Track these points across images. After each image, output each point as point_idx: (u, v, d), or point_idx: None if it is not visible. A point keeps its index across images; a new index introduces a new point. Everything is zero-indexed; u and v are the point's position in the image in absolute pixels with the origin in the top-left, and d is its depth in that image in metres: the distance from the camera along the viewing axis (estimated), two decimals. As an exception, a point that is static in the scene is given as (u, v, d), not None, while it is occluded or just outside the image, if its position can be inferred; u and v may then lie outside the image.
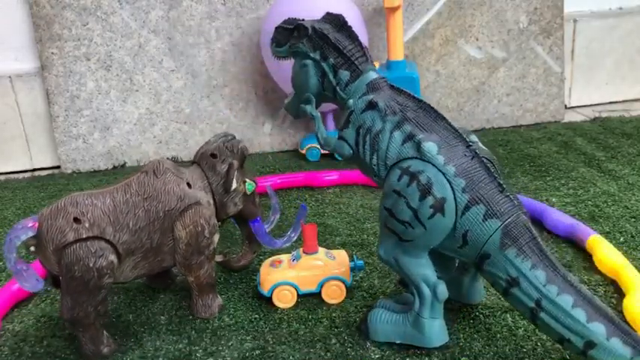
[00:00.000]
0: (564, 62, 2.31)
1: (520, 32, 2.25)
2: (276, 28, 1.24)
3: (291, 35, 1.20)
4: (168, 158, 2.22)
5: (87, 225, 1.07)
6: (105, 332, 1.15)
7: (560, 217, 1.47)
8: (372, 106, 1.11)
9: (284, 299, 1.26)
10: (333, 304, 1.26)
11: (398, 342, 1.10)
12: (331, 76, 1.16)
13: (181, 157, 2.23)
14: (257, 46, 2.15)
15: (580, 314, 0.94)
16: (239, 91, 2.22)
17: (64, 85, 2.15)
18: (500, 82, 2.28)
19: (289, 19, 1.23)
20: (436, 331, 1.07)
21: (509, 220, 0.99)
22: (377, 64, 2.04)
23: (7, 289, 1.33)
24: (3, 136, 2.22)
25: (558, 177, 1.80)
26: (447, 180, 1.01)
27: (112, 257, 1.09)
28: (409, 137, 1.05)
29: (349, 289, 1.28)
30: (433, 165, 1.01)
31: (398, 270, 1.08)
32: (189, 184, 1.20)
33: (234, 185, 1.25)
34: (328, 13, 1.21)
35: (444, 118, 1.06)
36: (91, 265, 1.06)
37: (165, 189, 1.16)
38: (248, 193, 1.30)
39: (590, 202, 1.61)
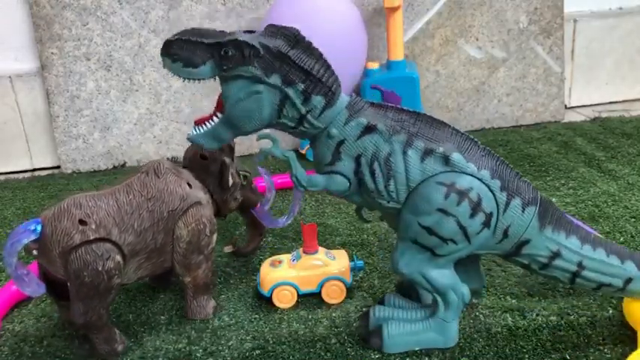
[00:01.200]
0: (564, 62, 2.31)
1: (520, 32, 2.25)
2: (176, 41, 0.97)
3: (213, 53, 0.97)
4: (168, 159, 2.22)
5: (93, 227, 1.07)
6: (116, 330, 1.15)
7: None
8: (370, 130, 1.02)
9: (284, 299, 1.26)
10: (333, 304, 1.26)
11: (417, 349, 1.09)
12: (299, 104, 1.01)
13: (181, 157, 2.22)
14: (257, 46, 2.14)
15: (614, 260, 1.06)
16: (239, 91, 2.21)
17: (64, 85, 2.15)
18: (500, 82, 2.28)
19: (194, 29, 1.00)
20: (455, 330, 1.09)
21: (539, 201, 1.04)
22: (377, 65, 2.04)
23: (7, 289, 1.33)
24: (3, 136, 2.22)
25: (558, 177, 1.80)
26: (487, 186, 1.01)
27: (119, 258, 1.09)
28: (427, 152, 1.01)
29: (349, 289, 1.28)
30: (470, 175, 1.00)
31: (422, 283, 1.06)
32: (189, 184, 1.20)
33: (230, 183, 1.25)
34: (272, 26, 1.02)
35: (445, 123, 1.05)
36: (99, 268, 1.06)
37: (167, 189, 1.16)
38: (244, 183, 1.30)
39: (590, 202, 1.61)
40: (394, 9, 1.93)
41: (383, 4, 1.93)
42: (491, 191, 1.01)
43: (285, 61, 0.99)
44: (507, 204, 1.02)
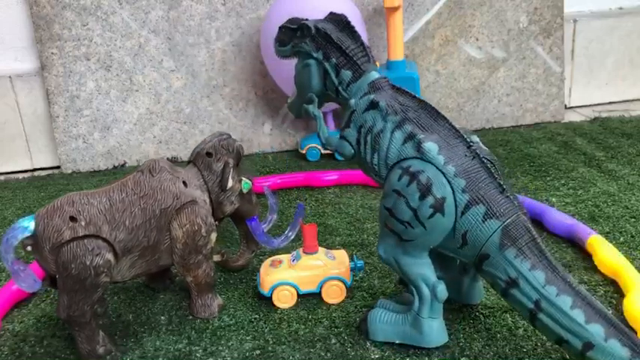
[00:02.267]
0: (564, 62, 2.31)
1: (520, 32, 2.25)
2: (280, 27, 1.25)
3: (294, 35, 1.21)
4: (167, 159, 2.22)
5: (83, 223, 1.08)
6: (102, 332, 1.15)
7: (560, 218, 1.47)
8: (373, 105, 1.11)
9: (284, 299, 1.26)
10: (333, 304, 1.26)
11: (397, 342, 1.10)
12: (333, 76, 1.17)
13: (181, 157, 2.23)
14: (257, 46, 2.15)
15: (579, 315, 0.94)
16: (239, 91, 2.22)
17: (64, 85, 2.15)
18: (500, 82, 2.28)
19: (294, 18, 1.24)
20: (435, 331, 1.07)
21: (508, 220, 0.99)
22: (377, 64, 2.04)
23: (7, 289, 1.33)
24: (3, 136, 2.22)
25: (558, 177, 1.80)
26: (447, 180, 1.01)
27: (109, 256, 1.09)
28: (410, 137, 1.05)
29: (349, 289, 1.28)
30: (433, 165, 1.01)
31: (398, 270, 1.08)
32: (185, 183, 1.20)
33: (230, 184, 1.25)
34: (332, 13, 1.21)
35: (445, 118, 1.06)
36: (87, 263, 1.07)
37: (161, 187, 1.16)
38: (244, 191, 1.30)
39: (590, 202, 1.61)
40: (394, 9, 1.93)
41: (383, 4, 1.93)
42: (450, 185, 1.00)
43: (328, 40, 1.17)
44: (467, 207, 1.00)
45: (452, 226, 1.01)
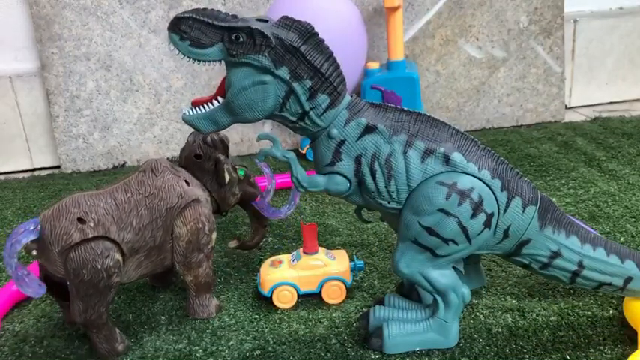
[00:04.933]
0: (564, 62, 2.31)
1: (520, 32, 2.25)
2: (186, 19, 0.98)
3: (224, 36, 0.98)
4: (168, 159, 2.22)
5: (92, 225, 1.07)
6: (117, 329, 1.15)
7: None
8: (369, 130, 1.02)
9: (284, 299, 1.26)
10: (333, 304, 1.26)
11: (418, 349, 1.09)
12: (303, 100, 1.01)
13: (181, 157, 2.23)
14: (257, 46, 2.14)
15: (614, 259, 1.06)
16: (239, 91, 2.21)
17: (64, 85, 2.15)
18: (500, 82, 2.28)
19: (205, 9, 1.00)
20: (456, 330, 1.09)
21: (539, 201, 1.04)
22: (377, 64, 2.04)
23: (7, 289, 1.33)
24: (3, 136, 2.22)
25: (558, 177, 1.80)
26: (489, 187, 1.01)
27: (118, 256, 1.09)
28: (428, 152, 1.01)
29: (349, 289, 1.28)
30: (470, 175, 1.00)
31: (423, 283, 1.05)
32: (187, 182, 1.21)
33: (227, 178, 1.26)
34: (286, 18, 1.02)
35: (445, 123, 1.04)
36: (99, 266, 1.06)
37: (165, 187, 1.16)
38: (241, 178, 1.31)
39: (590, 202, 1.61)
40: (394, 9, 1.93)
41: (383, 4, 1.93)
42: (492, 191, 1.01)
43: (296, 55, 0.99)
44: (508, 204, 1.03)
45: (494, 231, 1.03)
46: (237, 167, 1.31)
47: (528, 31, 2.25)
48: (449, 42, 2.23)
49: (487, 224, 1.01)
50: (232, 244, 1.41)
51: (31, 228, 1.06)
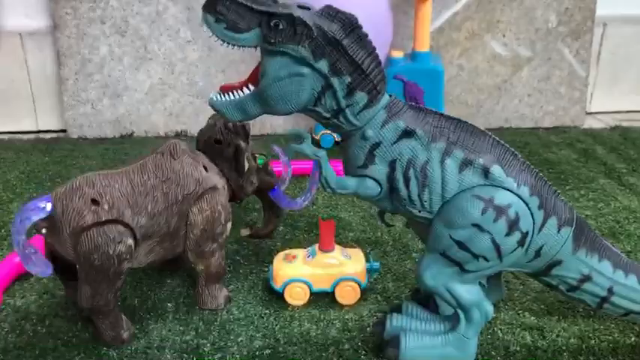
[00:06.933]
0: (589, 66, 2.25)
1: (548, 32, 2.18)
2: (227, 1, 0.91)
3: (262, 21, 0.91)
4: (178, 133, 2.16)
5: (106, 207, 1.02)
6: (123, 316, 1.11)
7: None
8: (407, 134, 0.97)
9: (296, 296, 1.22)
10: (346, 306, 1.22)
11: None
12: (341, 96, 0.95)
13: (191, 131, 2.17)
14: (278, 23, 2.07)
15: None
16: (256, 68, 2.15)
17: (75, 48, 2.08)
18: (522, 81, 2.22)
19: None
20: (475, 346, 1.05)
21: (575, 222, 1.00)
22: (401, 53, 1.98)
23: (9, 261, 1.29)
24: (9, 95, 2.16)
25: (578, 187, 1.75)
26: (527, 205, 0.96)
27: (130, 241, 1.05)
28: (466, 163, 0.96)
29: (363, 291, 1.24)
30: (509, 190, 0.96)
31: (446, 297, 1.01)
32: (205, 168, 1.16)
33: (246, 167, 1.21)
34: (330, 7, 0.95)
35: (485, 133, 0.99)
36: (110, 252, 1.02)
37: (183, 171, 1.11)
38: (259, 167, 1.26)
39: (610, 217, 1.57)
40: (424, 0, 1.87)
41: (413, -8, 1.86)
42: (529, 209, 0.97)
43: (337, 48, 0.93)
44: (543, 223, 0.99)
45: (526, 249, 0.99)
46: (256, 155, 1.26)
47: (556, 32, 2.19)
48: (475, 36, 2.17)
49: (521, 243, 0.97)
50: (244, 232, 1.37)
51: (42, 205, 1.01)
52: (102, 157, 1.98)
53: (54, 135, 2.18)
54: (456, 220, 0.96)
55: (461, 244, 0.97)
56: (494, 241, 0.96)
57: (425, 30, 1.93)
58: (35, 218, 1.00)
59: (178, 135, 2.16)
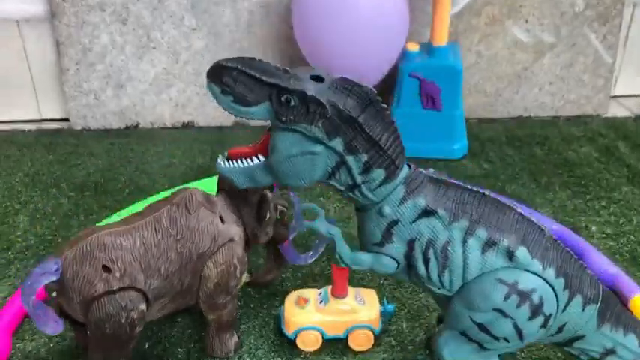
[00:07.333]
0: (617, 50, 2.13)
1: (574, 17, 2.05)
2: (229, 69, 0.86)
3: (272, 95, 0.87)
4: (185, 124, 2.09)
5: (117, 275, 0.99)
6: None
7: (601, 263, 1.37)
8: (428, 214, 0.92)
9: (309, 343, 1.20)
10: (359, 352, 1.20)
11: None
12: (356, 173, 0.91)
13: (197, 122, 2.10)
14: (287, 9, 1.96)
15: None
16: (263, 57, 2.02)
17: (75, 37, 1.98)
18: (544, 69, 2.11)
19: (252, 59, 0.89)
20: None
21: (600, 299, 0.96)
22: (417, 47, 1.88)
23: (16, 300, 1.26)
24: (9, 84, 2.08)
25: (599, 197, 1.69)
26: (552, 287, 0.92)
27: (143, 306, 1.02)
28: (489, 244, 0.91)
29: (377, 336, 1.22)
30: (534, 273, 0.91)
31: None
32: (221, 219, 1.10)
33: (267, 217, 1.16)
34: (346, 80, 0.89)
35: (510, 207, 0.94)
36: (122, 320, 0.99)
37: (199, 228, 1.06)
38: (278, 218, 1.21)
39: (632, 238, 1.52)
40: (444, -11, 1.74)
41: (432, -17, 1.74)
42: (554, 291, 0.93)
43: (353, 127, 0.88)
44: (568, 302, 0.94)
45: (549, 328, 0.95)
46: (278, 206, 1.20)
47: (583, 16, 2.06)
48: (495, 22, 2.04)
49: (543, 325, 0.94)
50: (245, 278, 1.31)
51: (53, 270, 0.99)
52: (107, 155, 1.92)
53: (57, 125, 2.12)
54: (477, 303, 0.92)
55: (482, 327, 0.93)
56: (516, 326, 0.92)
57: (444, 22, 1.81)
58: (45, 281, 0.98)
59: (185, 126, 2.09)
